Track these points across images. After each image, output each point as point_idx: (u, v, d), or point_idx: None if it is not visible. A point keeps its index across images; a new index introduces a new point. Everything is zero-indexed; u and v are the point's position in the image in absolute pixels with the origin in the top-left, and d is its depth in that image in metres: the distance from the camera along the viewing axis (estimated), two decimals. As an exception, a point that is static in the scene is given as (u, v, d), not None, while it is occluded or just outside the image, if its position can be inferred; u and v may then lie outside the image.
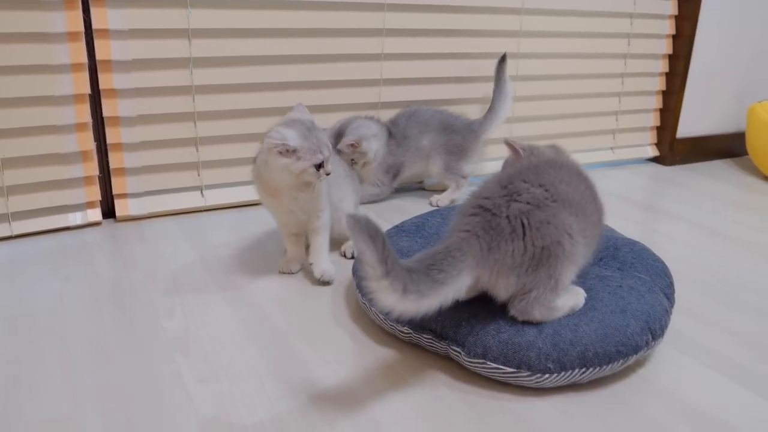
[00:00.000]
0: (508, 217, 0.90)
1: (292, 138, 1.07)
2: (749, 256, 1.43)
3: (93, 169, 1.40)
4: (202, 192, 1.54)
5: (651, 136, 2.18)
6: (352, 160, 1.55)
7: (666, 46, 2.07)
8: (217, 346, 0.99)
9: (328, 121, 1.60)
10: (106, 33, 1.33)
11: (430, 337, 0.95)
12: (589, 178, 1.03)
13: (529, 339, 0.89)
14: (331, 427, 0.81)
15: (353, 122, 1.55)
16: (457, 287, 0.86)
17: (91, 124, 1.37)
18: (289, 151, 1.07)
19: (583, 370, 0.89)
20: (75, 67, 1.31)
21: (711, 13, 2.03)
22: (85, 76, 1.32)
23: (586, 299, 0.98)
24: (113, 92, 1.37)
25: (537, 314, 0.91)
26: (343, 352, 0.98)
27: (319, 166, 1.09)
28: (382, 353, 0.98)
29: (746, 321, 1.14)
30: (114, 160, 1.42)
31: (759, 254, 1.45)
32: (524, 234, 0.89)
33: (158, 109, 1.42)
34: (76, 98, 1.33)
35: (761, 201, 1.85)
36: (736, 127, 2.30)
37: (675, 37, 2.06)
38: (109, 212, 1.47)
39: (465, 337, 0.91)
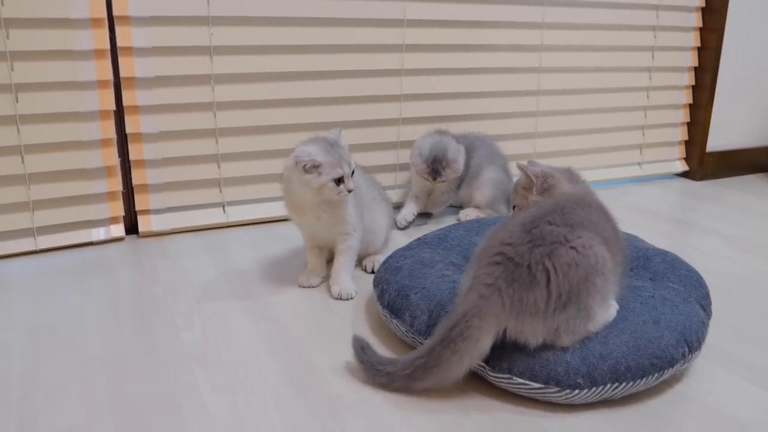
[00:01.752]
0: (529, 265, 0.85)
1: (315, 153, 1.08)
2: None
3: (117, 184, 1.41)
4: (224, 208, 1.54)
5: (679, 151, 2.13)
6: (444, 180, 1.52)
7: (692, 59, 2.03)
8: (235, 358, 0.97)
9: (351, 137, 1.59)
10: (130, 51, 1.35)
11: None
12: (612, 215, 0.98)
13: (556, 353, 0.85)
14: (351, 442, 0.78)
15: (446, 143, 1.51)
16: (481, 351, 0.84)
17: (115, 140, 1.38)
18: (311, 167, 1.08)
19: (615, 385, 0.84)
20: (101, 84, 1.33)
21: (737, 24, 1.99)
22: (110, 92, 1.34)
23: (617, 311, 0.93)
24: (136, 109, 1.39)
25: (566, 341, 0.86)
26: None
27: (339, 181, 1.09)
28: (404, 367, 0.95)
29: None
30: (137, 176, 1.43)
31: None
32: (549, 280, 0.84)
33: (180, 125, 1.44)
34: (102, 114, 1.35)
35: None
36: (769, 140, 2.23)
37: (701, 50, 2.03)
38: (132, 228, 1.48)
39: (489, 351, 0.87)
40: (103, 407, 0.84)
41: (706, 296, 1.03)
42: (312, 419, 0.83)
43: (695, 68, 2.05)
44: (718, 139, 2.11)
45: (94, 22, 1.29)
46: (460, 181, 1.60)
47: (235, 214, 1.54)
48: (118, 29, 1.32)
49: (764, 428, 0.83)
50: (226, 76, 1.45)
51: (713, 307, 1.14)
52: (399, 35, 1.59)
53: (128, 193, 1.45)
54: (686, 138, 2.12)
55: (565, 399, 0.84)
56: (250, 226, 1.55)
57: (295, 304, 1.15)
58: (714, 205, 1.85)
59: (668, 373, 0.88)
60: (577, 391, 0.83)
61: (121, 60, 1.34)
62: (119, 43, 1.33)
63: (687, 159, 2.14)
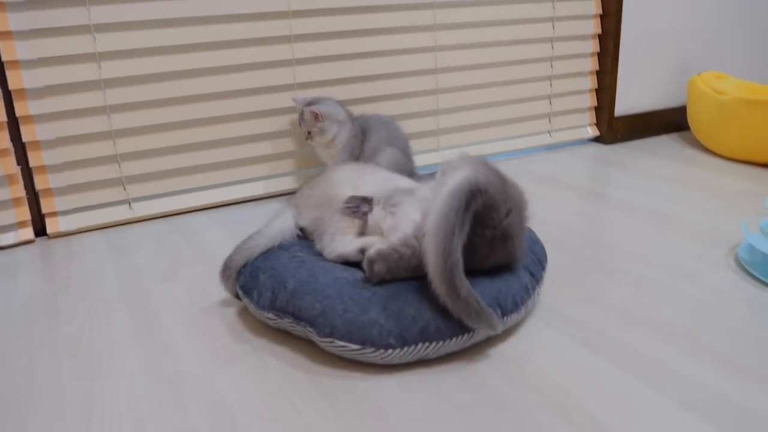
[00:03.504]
0: None
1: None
2: (661, 229, 1.45)
3: (20, 191, 1.49)
4: (130, 205, 1.62)
5: (590, 117, 2.20)
6: (309, 132, 1.60)
7: (594, 26, 2.08)
8: (104, 348, 1.06)
9: (245, 128, 1.66)
10: (16, 64, 1.42)
11: (290, 320, 1.00)
12: None
13: (372, 317, 0.94)
14: (181, 411, 0.88)
15: (327, 100, 1.61)
16: None
17: (12, 149, 1.46)
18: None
19: (426, 344, 0.93)
20: (-11, 98, 1.41)
21: (635, -10, 2.05)
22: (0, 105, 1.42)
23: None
24: (30, 118, 1.47)
25: None
26: (218, 344, 1.04)
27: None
28: (255, 343, 1.04)
29: (625, 292, 1.17)
30: (40, 182, 1.51)
31: (667, 225, 1.47)
32: None
33: (76, 130, 1.51)
34: (-6, 126, 1.43)
35: (688, 173, 1.86)
36: (681, 101, 2.30)
37: (602, 17, 2.08)
38: (42, 230, 1.57)
39: (316, 318, 0.96)
40: (-33, 397, 0.93)
41: (537, 262, 1.11)
42: (153, 396, 0.92)
43: (599, 35, 2.11)
44: (625, 103, 2.18)
45: (-23, 39, 1.37)
46: (355, 161, 1.67)
47: (142, 209, 1.63)
48: (1, 44, 1.39)
49: (572, 383, 0.92)
50: (116, 79, 1.52)
51: (571, 269, 1.21)
52: (287, 26, 1.65)
53: (33, 197, 1.54)
54: (595, 104, 2.18)
55: (382, 359, 0.93)
56: (157, 220, 1.64)
57: (176, 294, 1.24)
58: (614, 168, 1.92)
59: (480, 335, 0.96)
60: (390, 351, 0.92)
61: (8, 74, 1.42)
62: (4, 57, 1.40)
63: (597, 124, 2.21)
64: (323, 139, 1.60)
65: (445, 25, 1.85)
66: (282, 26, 1.64)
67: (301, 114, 1.59)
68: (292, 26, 1.65)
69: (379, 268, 0.99)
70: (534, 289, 1.06)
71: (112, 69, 1.50)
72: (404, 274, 1.00)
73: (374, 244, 1.04)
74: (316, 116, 1.57)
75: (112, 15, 1.47)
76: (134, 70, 1.52)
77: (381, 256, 0.99)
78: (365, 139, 1.65)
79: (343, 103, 1.67)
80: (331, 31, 1.71)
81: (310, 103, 1.59)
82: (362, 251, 1.09)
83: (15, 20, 1.39)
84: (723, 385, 0.88)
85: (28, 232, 1.52)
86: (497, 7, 1.91)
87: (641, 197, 1.66)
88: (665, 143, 2.18)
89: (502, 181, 1.01)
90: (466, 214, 0.93)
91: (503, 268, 1.05)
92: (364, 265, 1.02)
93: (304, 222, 1.18)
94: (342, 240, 1.12)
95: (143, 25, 1.51)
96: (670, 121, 2.29)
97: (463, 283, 0.91)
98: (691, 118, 2.09)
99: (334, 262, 1.11)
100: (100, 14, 1.45)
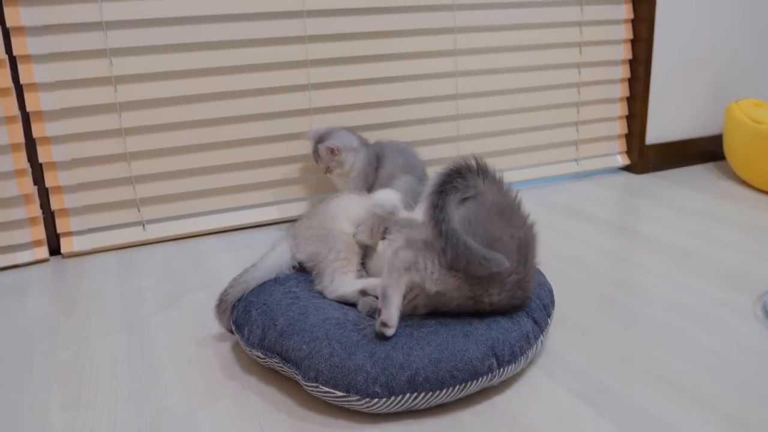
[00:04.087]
0: None
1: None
2: (685, 270, 1.37)
3: (35, 210, 1.52)
4: (143, 226, 1.63)
5: (620, 145, 2.11)
6: (327, 167, 1.58)
7: (624, 52, 2.01)
8: (94, 376, 1.05)
9: (261, 153, 1.66)
10: (34, 86, 1.45)
11: (278, 360, 0.97)
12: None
13: (358, 363, 0.90)
14: (157, 454, 0.85)
15: (337, 131, 1.60)
16: None
17: (29, 169, 1.49)
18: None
19: (415, 395, 0.89)
20: (8, 120, 1.44)
21: (667, 13, 1.97)
22: (17, 127, 1.44)
23: (431, 325, 0.96)
24: (47, 140, 1.49)
25: None
26: (207, 379, 1.02)
27: None
28: (244, 381, 1.01)
29: (637, 339, 1.10)
30: (55, 202, 1.54)
31: (692, 265, 1.38)
32: None
33: (92, 152, 1.53)
34: (12, 147, 1.46)
35: (721, 207, 1.76)
36: (717, 129, 2.19)
37: (633, 42, 2.01)
38: (57, 249, 1.59)
39: (302, 360, 0.93)
40: (-46, 425, 0.93)
41: (543, 308, 1.05)
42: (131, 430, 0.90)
43: (630, 60, 2.03)
44: (657, 131, 2.08)
45: (-2, 63, 1.40)
46: (369, 188, 1.64)
47: (155, 231, 1.63)
48: (20, 67, 1.42)
49: (558, 433, 0.86)
50: (132, 102, 1.53)
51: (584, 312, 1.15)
52: (302, 51, 1.64)
53: (49, 217, 1.56)
54: (626, 131, 2.10)
55: (367, 408, 0.89)
56: (169, 243, 1.64)
57: (174, 321, 1.23)
58: (641, 199, 1.84)
59: (474, 385, 0.91)
60: (376, 400, 0.88)
61: (26, 96, 1.44)
62: (22, 80, 1.43)
63: (628, 153, 2.12)
64: (342, 171, 1.58)
65: (467, 50, 1.81)
66: (298, 51, 1.63)
67: (315, 151, 1.57)
68: (308, 51, 1.64)
69: (405, 254, 0.95)
70: (537, 338, 1.00)
71: (128, 92, 1.52)
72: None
73: (375, 287, 1.02)
74: (332, 151, 1.55)
75: (129, 40, 1.48)
76: (150, 94, 1.54)
77: (409, 242, 0.96)
78: (380, 166, 1.62)
79: (356, 130, 1.65)
80: (347, 56, 1.69)
81: (321, 138, 1.57)
82: (362, 292, 1.07)
83: (34, 44, 1.42)
84: (733, 458, 0.81)
85: (42, 251, 1.55)
86: (521, 32, 1.86)
87: (667, 232, 1.57)
88: (699, 174, 2.08)
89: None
90: (443, 192, 0.95)
91: (505, 313, 0.99)
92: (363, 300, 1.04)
93: (302, 256, 1.15)
94: (342, 280, 1.09)
95: (159, 50, 1.52)
96: (705, 151, 2.18)
97: (459, 233, 0.91)
98: (728, 148, 1.99)
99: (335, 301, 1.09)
100: (117, 39, 1.47)
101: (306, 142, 1.71)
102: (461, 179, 0.99)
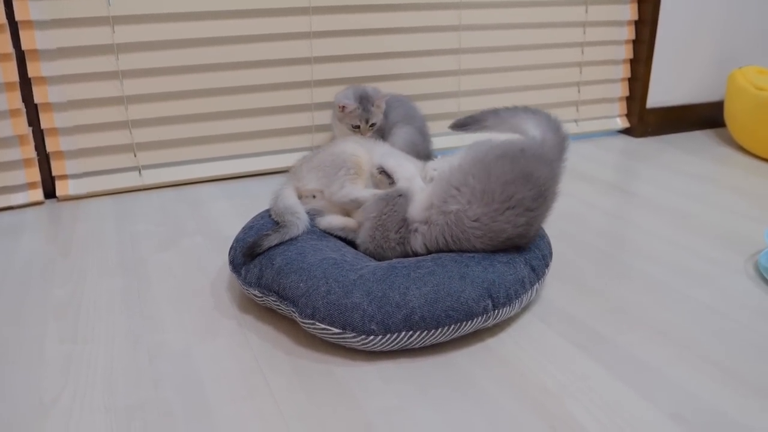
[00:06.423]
0: None
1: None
2: (680, 229, 1.38)
3: (30, 152, 1.50)
4: (140, 171, 1.62)
5: (620, 107, 2.10)
6: (373, 123, 1.56)
7: (630, 12, 1.98)
8: (92, 313, 1.05)
9: (262, 101, 1.63)
10: (30, 24, 1.41)
11: (275, 298, 0.98)
12: None
13: (355, 301, 0.90)
14: (155, 383, 0.86)
15: (365, 88, 1.57)
16: None
17: (24, 110, 1.47)
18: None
19: (410, 333, 0.90)
20: (2, 57, 1.41)
21: (677, -26, 1.94)
22: (12, 65, 1.42)
23: (428, 266, 0.97)
24: (42, 80, 1.47)
25: None
26: (204, 318, 1.03)
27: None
28: (241, 319, 1.02)
29: (630, 292, 1.11)
30: (51, 144, 1.52)
31: (687, 225, 1.39)
32: None
33: (88, 94, 1.51)
34: (6, 86, 1.43)
35: (719, 172, 1.76)
36: (719, 95, 2.18)
37: (640, 2, 1.98)
38: (53, 192, 1.58)
39: (299, 298, 0.93)
40: (-49, 353, 0.94)
41: (541, 258, 1.05)
42: (130, 365, 0.91)
43: (636, 21, 2.01)
44: (659, 95, 2.07)
45: (-8, -3, 1.36)
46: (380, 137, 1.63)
47: (152, 177, 1.62)
48: (15, 4, 1.39)
49: (555, 382, 0.88)
50: (129, 44, 1.51)
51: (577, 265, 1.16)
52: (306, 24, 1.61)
53: (44, 159, 1.54)
54: (627, 94, 2.08)
55: (363, 345, 0.90)
56: (166, 189, 1.63)
57: (171, 264, 1.23)
58: (640, 163, 1.84)
59: (468, 326, 0.92)
60: (372, 338, 0.89)
61: (21, 33, 1.41)
62: (17, 17, 1.39)
63: (628, 116, 2.11)
64: (380, 116, 1.58)
65: (470, 2, 1.78)
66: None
67: (366, 109, 1.53)
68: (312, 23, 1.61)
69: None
70: (533, 284, 1.01)
71: (125, 33, 1.49)
72: None
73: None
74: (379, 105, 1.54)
75: (128, -22, 1.45)
76: (148, 36, 1.51)
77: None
78: (385, 117, 1.61)
79: (357, 82, 1.63)
80: (350, 5, 1.66)
81: (365, 97, 1.54)
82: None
83: (30, -20, 1.38)
84: (719, 399, 0.82)
85: (37, 194, 1.53)
86: (527, -12, 1.83)
87: (665, 195, 1.58)
88: (698, 139, 2.08)
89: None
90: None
91: (501, 257, 1.00)
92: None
93: (312, 185, 1.14)
94: (353, 186, 1.12)
95: (159, -9, 1.49)
96: (705, 117, 2.17)
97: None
98: (728, 115, 1.98)
99: (344, 206, 1.12)
100: (115, -23, 1.44)
101: (306, 91, 1.70)
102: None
